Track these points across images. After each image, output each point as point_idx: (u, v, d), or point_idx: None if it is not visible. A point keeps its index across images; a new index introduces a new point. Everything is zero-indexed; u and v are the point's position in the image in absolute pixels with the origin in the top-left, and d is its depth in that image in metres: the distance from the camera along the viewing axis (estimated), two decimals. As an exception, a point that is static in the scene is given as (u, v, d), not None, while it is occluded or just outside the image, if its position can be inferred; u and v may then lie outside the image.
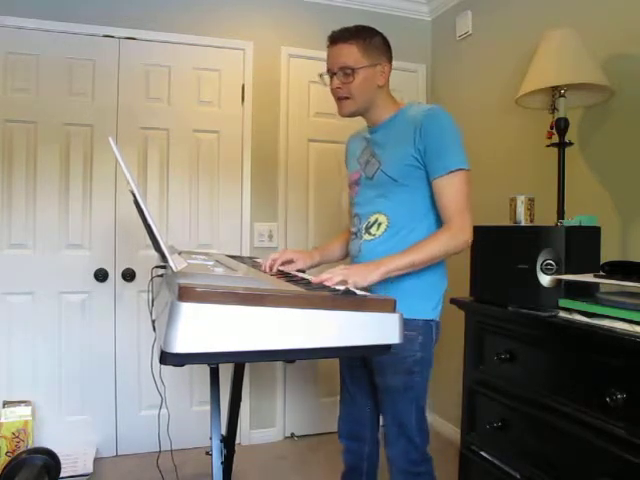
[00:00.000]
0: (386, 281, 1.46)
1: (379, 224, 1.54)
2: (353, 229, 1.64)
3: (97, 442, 2.62)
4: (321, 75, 1.58)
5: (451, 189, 1.44)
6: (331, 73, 1.54)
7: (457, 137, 1.47)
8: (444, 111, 1.49)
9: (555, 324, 1.47)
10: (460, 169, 1.44)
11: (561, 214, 1.83)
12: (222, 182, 2.83)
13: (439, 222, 1.50)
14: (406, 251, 1.41)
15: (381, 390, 1.56)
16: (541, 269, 1.60)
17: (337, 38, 1.52)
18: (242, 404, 1.89)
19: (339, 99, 1.55)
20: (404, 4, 3.07)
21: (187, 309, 0.89)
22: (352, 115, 1.59)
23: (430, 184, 1.48)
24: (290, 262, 1.64)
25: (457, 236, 1.42)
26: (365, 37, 1.51)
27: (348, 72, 1.49)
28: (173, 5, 2.71)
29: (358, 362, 1.65)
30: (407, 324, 1.44)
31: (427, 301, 1.52)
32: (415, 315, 1.48)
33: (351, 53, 1.49)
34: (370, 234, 1.55)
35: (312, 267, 1.72)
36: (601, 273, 1.46)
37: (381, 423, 1.70)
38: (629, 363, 1.26)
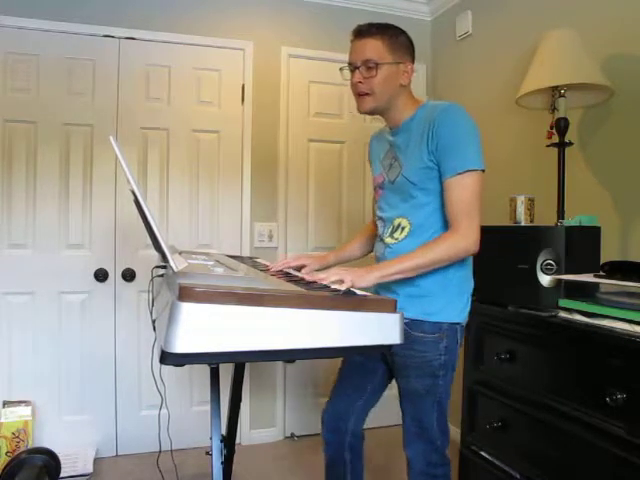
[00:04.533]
0: (412, 284, 1.45)
1: (402, 228, 1.51)
2: (378, 232, 1.63)
3: (97, 442, 2.62)
4: (341, 69, 1.54)
5: (458, 191, 1.39)
6: (353, 67, 1.50)
7: (469, 135, 1.42)
8: (459, 109, 1.44)
9: (555, 324, 1.47)
10: (469, 170, 1.39)
11: (561, 214, 1.83)
12: (222, 182, 2.83)
13: None
14: (408, 255, 1.39)
15: (403, 391, 1.54)
16: (541, 269, 1.60)
17: (363, 32, 1.49)
18: (242, 404, 1.89)
19: (359, 95, 1.51)
20: (404, 4, 3.07)
21: (187, 309, 0.90)
22: (371, 113, 1.55)
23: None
24: (303, 267, 1.63)
25: (461, 241, 1.38)
26: (391, 34, 1.49)
27: (371, 66, 1.46)
28: (173, 5, 2.71)
29: (377, 355, 1.61)
30: (433, 326, 1.44)
31: (454, 304, 1.49)
32: (440, 318, 1.46)
33: (376, 48, 1.46)
34: (393, 238, 1.53)
35: (325, 269, 1.71)
36: (601, 273, 1.46)
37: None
38: (629, 363, 1.26)
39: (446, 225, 1.47)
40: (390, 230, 1.55)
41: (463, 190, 1.39)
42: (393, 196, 1.56)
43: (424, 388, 1.48)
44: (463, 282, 1.51)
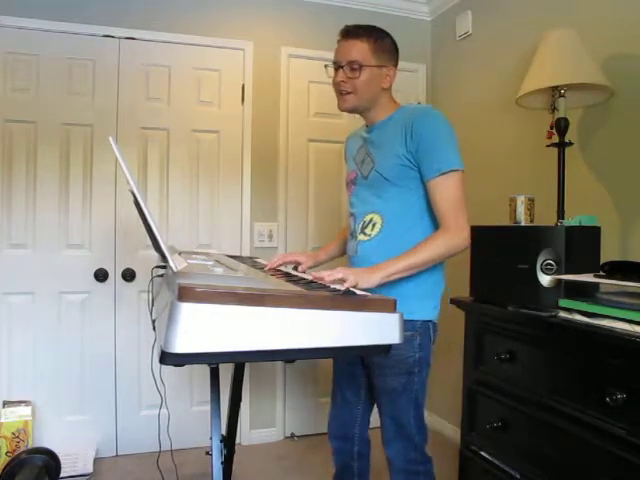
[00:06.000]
0: (385, 286, 1.45)
1: (374, 224, 1.54)
2: (350, 229, 1.65)
3: (97, 442, 2.62)
4: (326, 66, 1.58)
5: (444, 190, 1.43)
6: (337, 66, 1.53)
7: (449, 137, 1.46)
8: (436, 112, 1.50)
9: (555, 324, 1.47)
10: (452, 170, 1.43)
11: (561, 214, 1.83)
12: (222, 182, 2.83)
13: (435, 222, 1.50)
14: (404, 255, 1.41)
15: (380, 390, 1.56)
16: (541, 269, 1.59)
17: (350, 33, 1.52)
18: (242, 404, 1.89)
19: (341, 93, 1.54)
20: (404, 4, 3.07)
21: (187, 309, 0.89)
22: (352, 111, 1.58)
23: (424, 185, 1.48)
24: (297, 263, 1.68)
25: (454, 238, 1.42)
26: (377, 37, 1.52)
27: (355, 67, 1.49)
28: (173, 5, 2.71)
29: (357, 360, 1.66)
30: (406, 325, 1.45)
31: (426, 302, 1.52)
32: (414, 316, 1.48)
33: (362, 49, 1.50)
34: (365, 234, 1.55)
35: (318, 265, 1.77)
36: (601, 273, 1.46)
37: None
38: (629, 363, 1.26)
39: (418, 221, 1.50)
40: (361, 226, 1.57)
41: (448, 189, 1.43)
42: (365, 191, 1.58)
43: (400, 386, 1.50)
44: (435, 284, 1.55)
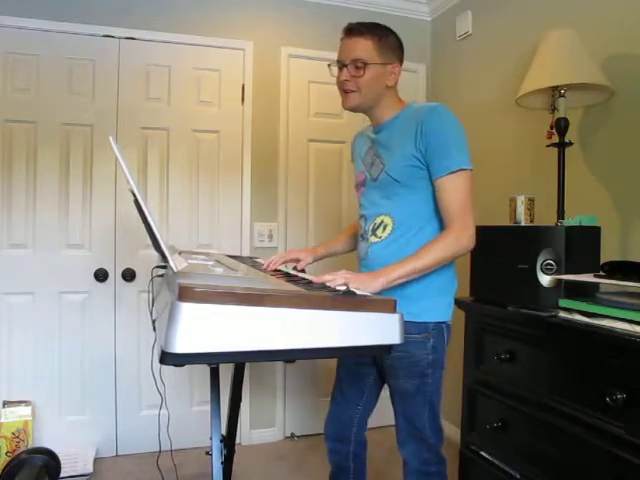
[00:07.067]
0: (394, 286, 1.45)
1: (385, 226, 1.52)
2: (360, 231, 1.64)
3: (97, 442, 2.62)
4: (329, 65, 1.56)
5: (452, 190, 1.42)
6: (341, 65, 1.51)
7: (459, 136, 1.44)
8: (446, 109, 1.47)
9: (555, 324, 1.47)
10: (462, 169, 1.41)
11: (561, 214, 1.83)
12: (222, 182, 2.83)
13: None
14: (409, 258, 1.39)
15: (393, 391, 1.55)
16: (541, 269, 1.59)
17: (354, 30, 1.50)
18: (242, 404, 1.89)
19: (345, 92, 1.53)
20: (404, 4, 3.07)
21: (187, 309, 0.89)
22: (355, 110, 1.57)
23: (433, 183, 1.47)
24: (296, 261, 1.67)
25: (460, 238, 1.40)
26: (381, 35, 1.50)
27: (360, 66, 1.47)
28: (173, 5, 2.71)
29: (367, 360, 1.64)
30: (418, 327, 1.44)
31: (438, 303, 1.50)
32: (426, 317, 1.47)
33: (366, 47, 1.48)
34: (376, 236, 1.54)
35: (317, 260, 1.77)
36: (601, 273, 1.46)
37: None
38: (629, 363, 1.26)
39: (429, 222, 1.49)
40: (372, 228, 1.56)
41: (456, 189, 1.42)
42: (375, 193, 1.57)
43: (414, 388, 1.49)
44: (446, 282, 1.53)
